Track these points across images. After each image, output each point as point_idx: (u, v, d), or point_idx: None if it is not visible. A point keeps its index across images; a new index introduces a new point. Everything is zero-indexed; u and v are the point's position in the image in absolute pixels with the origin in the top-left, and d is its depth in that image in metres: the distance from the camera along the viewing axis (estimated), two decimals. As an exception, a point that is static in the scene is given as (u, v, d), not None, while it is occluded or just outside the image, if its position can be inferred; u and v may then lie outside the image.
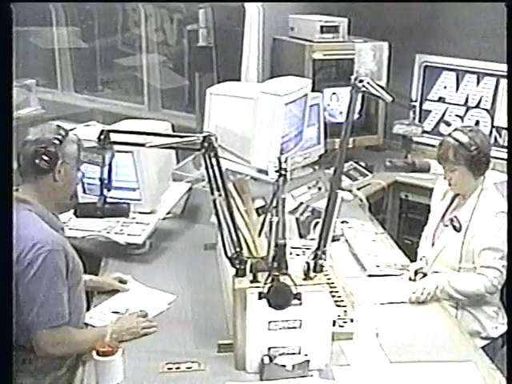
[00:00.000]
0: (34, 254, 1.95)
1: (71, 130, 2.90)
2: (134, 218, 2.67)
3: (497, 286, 2.54)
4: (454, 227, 2.63)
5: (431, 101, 4.30)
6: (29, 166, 2.03)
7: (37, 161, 2.01)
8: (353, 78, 2.16)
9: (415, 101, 4.26)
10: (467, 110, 4.16)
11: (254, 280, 1.90)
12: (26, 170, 2.04)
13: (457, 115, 4.21)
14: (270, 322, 1.91)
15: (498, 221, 2.53)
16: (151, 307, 2.32)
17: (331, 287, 2.34)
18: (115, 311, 2.30)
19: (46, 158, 2.02)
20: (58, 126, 2.13)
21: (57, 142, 2.04)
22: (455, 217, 2.65)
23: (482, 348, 2.33)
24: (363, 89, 2.14)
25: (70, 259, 2.06)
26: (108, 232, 2.66)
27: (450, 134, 2.64)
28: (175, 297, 2.40)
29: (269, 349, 1.94)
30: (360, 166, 3.83)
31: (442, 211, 2.76)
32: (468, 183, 2.63)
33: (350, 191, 3.47)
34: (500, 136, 4.03)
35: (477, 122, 4.10)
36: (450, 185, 2.68)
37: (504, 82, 3.93)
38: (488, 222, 2.54)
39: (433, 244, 2.75)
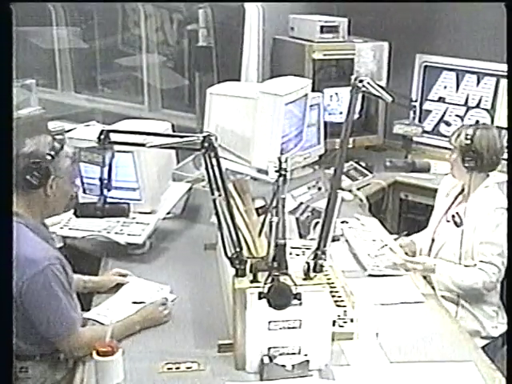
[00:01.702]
0: (33, 271, 1.95)
1: (71, 130, 2.93)
2: (134, 218, 2.67)
3: (495, 282, 2.55)
4: (455, 223, 2.65)
5: (431, 101, 4.30)
6: (20, 179, 2.01)
7: (28, 176, 2.00)
8: (353, 78, 2.16)
9: (415, 101, 4.25)
10: (467, 110, 4.16)
11: (254, 280, 1.90)
12: (18, 183, 2.01)
13: (457, 115, 4.21)
14: (270, 322, 1.91)
15: (496, 216, 2.55)
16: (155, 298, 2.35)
17: (331, 287, 2.34)
18: (135, 301, 2.34)
19: (37, 173, 2.01)
20: (53, 137, 2.11)
21: (49, 157, 2.03)
22: (457, 213, 2.67)
23: (482, 348, 2.33)
24: (363, 89, 2.14)
25: (66, 268, 2.07)
26: (108, 232, 2.66)
27: (470, 125, 2.76)
28: (175, 296, 2.40)
29: (269, 349, 1.94)
30: (360, 165, 3.83)
31: (445, 208, 2.79)
32: (459, 171, 2.68)
33: (350, 191, 3.47)
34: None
35: (477, 122, 4.10)
36: (451, 169, 2.76)
37: (504, 82, 3.93)
38: (487, 217, 2.56)
39: (433, 240, 2.76)
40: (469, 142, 2.59)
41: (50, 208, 2.13)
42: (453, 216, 2.68)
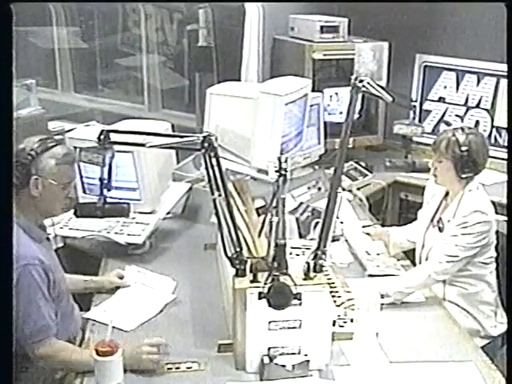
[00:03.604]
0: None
1: (71, 130, 2.93)
2: (134, 218, 2.67)
3: (446, 273, 2.49)
4: (439, 228, 2.65)
5: (431, 101, 4.30)
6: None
7: (13, 178, 1.99)
8: (353, 77, 2.16)
9: (415, 101, 4.26)
10: (467, 110, 4.16)
11: (254, 280, 1.91)
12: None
13: (457, 115, 4.21)
14: (270, 322, 1.91)
15: (471, 217, 2.50)
16: (156, 300, 2.36)
17: (331, 287, 2.34)
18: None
19: (18, 174, 2.00)
20: (40, 139, 2.07)
21: (29, 157, 2.01)
22: (440, 218, 2.66)
23: (482, 348, 2.33)
24: (363, 89, 2.14)
25: (49, 271, 2.03)
26: (108, 232, 2.66)
27: (453, 129, 2.66)
28: (175, 296, 2.40)
29: (269, 349, 1.94)
30: (360, 165, 3.83)
31: (431, 213, 2.77)
32: (450, 179, 2.61)
33: (350, 191, 3.47)
34: (500, 136, 4.03)
35: (477, 122, 4.10)
36: (435, 176, 2.68)
37: (504, 82, 3.93)
38: (462, 219, 2.52)
39: (423, 246, 2.76)
40: (466, 152, 2.51)
41: (41, 209, 2.10)
42: (437, 221, 2.68)
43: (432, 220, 2.74)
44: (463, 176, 2.56)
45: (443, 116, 4.27)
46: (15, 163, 1.99)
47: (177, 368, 1.99)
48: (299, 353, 1.95)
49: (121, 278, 2.48)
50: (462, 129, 2.63)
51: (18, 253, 1.95)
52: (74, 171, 2.20)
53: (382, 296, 2.35)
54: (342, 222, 2.99)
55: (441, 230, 2.65)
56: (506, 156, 3.75)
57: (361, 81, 2.14)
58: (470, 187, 2.59)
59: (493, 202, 2.63)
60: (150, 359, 1.97)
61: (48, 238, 2.21)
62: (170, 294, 2.41)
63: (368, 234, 2.97)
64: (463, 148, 2.53)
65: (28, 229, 2.06)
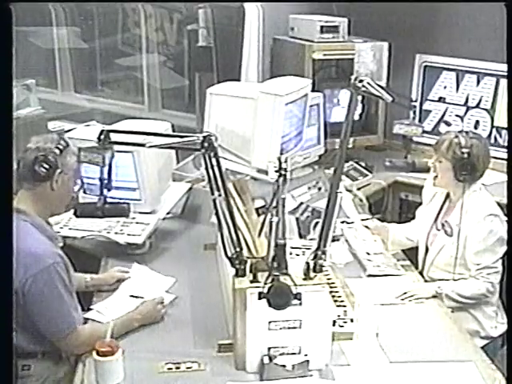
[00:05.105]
0: (37, 268, 1.96)
1: (71, 130, 2.93)
2: (134, 218, 2.67)
3: (496, 286, 2.56)
4: (446, 232, 2.65)
5: (431, 101, 4.30)
6: (27, 172, 2.04)
7: (36, 167, 2.03)
8: (353, 77, 2.16)
9: (415, 101, 4.25)
10: (467, 110, 4.16)
11: (254, 280, 1.91)
12: (25, 177, 2.06)
13: (457, 115, 4.21)
14: (270, 322, 1.91)
15: (486, 224, 2.53)
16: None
17: (331, 287, 2.34)
18: (133, 295, 2.35)
19: (45, 165, 2.04)
20: (59, 136, 2.16)
21: (57, 151, 2.07)
22: (446, 221, 2.66)
23: (482, 348, 2.33)
24: (363, 89, 2.14)
25: (68, 267, 2.09)
26: (108, 232, 2.66)
27: (458, 131, 2.69)
28: (174, 296, 2.40)
29: (269, 349, 1.94)
30: (360, 165, 3.83)
31: (433, 215, 2.76)
32: (448, 180, 2.63)
33: (350, 191, 3.47)
34: (500, 136, 4.03)
35: (477, 122, 4.10)
36: (434, 178, 2.70)
37: (504, 82, 3.93)
38: (477, 226, 2.54)
39: (427, 249, 2.75)
40: (466, 155, 2.53)
41: (53, 205, 2.15)
42: (442, 225, 2.68)
43: (435, 222, 2.74)
44: (461, 179, 2.56)
45: (443, 116, 4.27)
46: (40, 156, 2.04)
47: (177, 368, 1.99)
48: (299, 353, 1.95)
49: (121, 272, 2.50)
50: (467, 132, 2.65)
51: (41, 252, 2.00)
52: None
53: (438, 293, 2.45)
54: (342, 222, 2.99)
55: (448, 233, 2.64)
56: (506, 156, 3.74)
57: (361, 81, 2.13)
58: (473, 188, 2.59)
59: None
60: (160, 314, 2.22)
61: (57, 237, 2.23)
62: (171, 293, 2.41)
63: (367, 227, 2.98)
64: (464, 150, 2.54)
65: (41, 227, 2.08)
